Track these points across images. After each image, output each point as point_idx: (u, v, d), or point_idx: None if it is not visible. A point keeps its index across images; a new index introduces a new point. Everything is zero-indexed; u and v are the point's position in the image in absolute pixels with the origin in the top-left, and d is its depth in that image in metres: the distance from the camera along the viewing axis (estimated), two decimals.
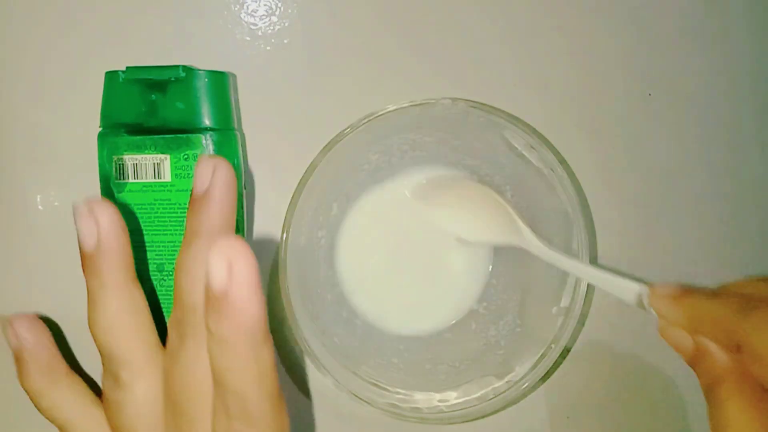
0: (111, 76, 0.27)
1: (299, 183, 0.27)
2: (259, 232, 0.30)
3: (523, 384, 0.27)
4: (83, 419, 0.25)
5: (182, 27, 0.30)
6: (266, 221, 0.30)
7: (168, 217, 0.27)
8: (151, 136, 0.27)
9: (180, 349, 0.22)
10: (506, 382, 0.28)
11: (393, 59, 0.31)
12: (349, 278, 0.31)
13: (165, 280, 0.28)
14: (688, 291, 0.23)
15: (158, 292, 0.28)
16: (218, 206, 0.22)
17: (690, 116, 0.33)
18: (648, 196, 0.33)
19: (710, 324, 0.22)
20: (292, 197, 0.27)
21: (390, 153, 0.30)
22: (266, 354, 0.19)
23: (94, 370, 0.29)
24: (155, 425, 0.23)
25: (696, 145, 0.33)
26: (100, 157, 0.27)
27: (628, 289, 0.25)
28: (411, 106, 0.27)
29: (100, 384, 0.27)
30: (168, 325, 0.23)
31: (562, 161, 0.31)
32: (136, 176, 0.27)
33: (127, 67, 0.27)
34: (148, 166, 0.27)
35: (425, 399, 0.28)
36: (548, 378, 0.32)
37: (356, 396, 0.27)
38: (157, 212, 0.27)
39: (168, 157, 0.27)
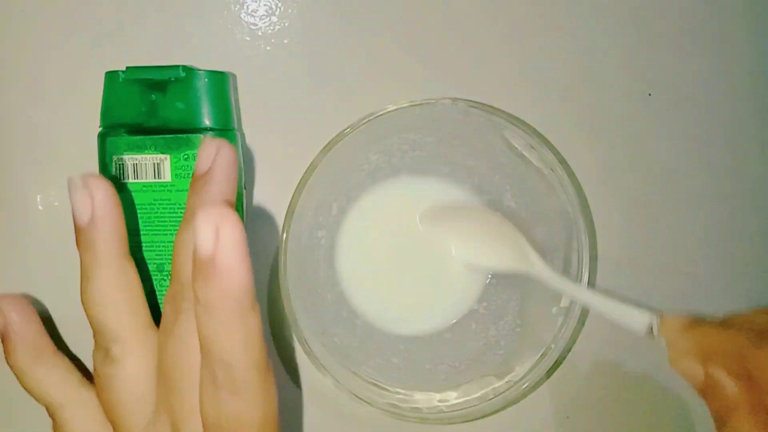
0: (111, 76, 0.27)
1: (299, 183, 0.27)
2: (259, 232, 0.30)
3: (523, 384, 0.27)
4: (69, 398, 0.25)
5: (182, 27, 0.30)
6: (266, 221, 0.30)
7: (168, 217, 0.27)
8: (151, 136, 0.27)
9: (174, 323, 0.22)
10: (506, 382, 0.28)
11: (393, 59, 0.31)
12: (349, 278, 0.31)
13: (165, 280, 0.28)
14: (697, 321, 0.23)
15: (158, 293, 0.28)
16: (218, 186, 0.22)
17: (690, 116, 0.33)
18: (648, 196, 0.33)
19: (721, 354, 0.22)
20: (292, 197, 0.27)
21: (390, 153, 0.30)
22: (253, 322, 0.19)
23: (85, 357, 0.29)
24: (144, 400, 0.23)
25: (696, 145, 0.33)
26: (100, 157, 0.27)
27: (638, 319, 0.25)
28: (411, 106, 0.27)
29: (88, 366, 0.28)
30: (163, 299, 0.23)
31: (562, 161, 0.31)
32: (136, 176, 0.27)
33: (127, 67, 0.27)
34: (148, 166, 0.27)
35: (425, 399, 0.28)
36: (548, 378, 0.32)
37: (356, 396, 0.27)
38: (157, 212, 0.27)
39: (168, 157, 0.27)
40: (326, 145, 0.26)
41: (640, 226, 0.33)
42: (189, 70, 0.27)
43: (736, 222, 0.33)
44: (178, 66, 0.27)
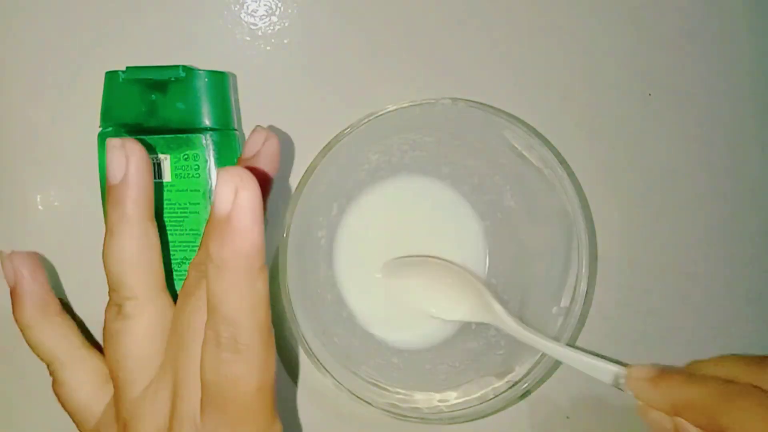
0: (111, 76, 0.27)
1: (299, 183, 0.27)
2: None
3: (523, 384, 0.27)
4: (71, 357, 0.26)
5: (182, 27, 0.30)
6: (266, 221, 0.30)
7: (168, 217, 0.27)
8: (151, 136, 0.27)
9: (196, 287, 0.23)
10: (506, 382, 0.28)
11: (393, 59, 0.31)
12: (347, 278, 0.31)
13: (167, 280, 0.28)
14: (665, 373, 0.23)
15: None
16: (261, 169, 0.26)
17: (690, 116, 0.33)
18: (648, 196, 0.33)
19: (691, 409, 0.22)
20: (292, 197, 0.27)
21: (390, 153, 0.30)
22: (261, 285, 0.20)
23: None
24: (149, 359, 0.24)
25: (696, 145, 0.33)
26: (100, 157, 0.27)
27: (605, 371, 0.25)
28: (411, 106, 0.27)
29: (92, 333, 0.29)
30: (189, 265, 0.24)
31: (562, 161, 0.31)
32: None
33: (127, 67, 0.27)
34: None
35: (425, 399, 0.28)
36: (548, 378, 0.32)
37: (356, 396, 0.27)
38: (156, 212, 0.27)
39: (168, 157, 0.27)
40: (326, 145, 0.26)
41: (640, 226, 0.33)
42: (189, 70, 0.27)
43: (736, 222, 0.33)
44: (178, 66, 0.27)
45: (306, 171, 0.27)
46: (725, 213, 0.33)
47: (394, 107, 0.26)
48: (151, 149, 0.27)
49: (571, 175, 0.29)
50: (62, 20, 0.30)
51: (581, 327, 0.32)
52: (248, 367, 0.21)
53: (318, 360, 0.27)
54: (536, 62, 0.32)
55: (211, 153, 0.27)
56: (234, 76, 0.30)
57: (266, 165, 0.26)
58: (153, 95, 0.27)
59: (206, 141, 0.27)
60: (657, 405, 0.23)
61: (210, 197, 0.27)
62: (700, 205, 0.33)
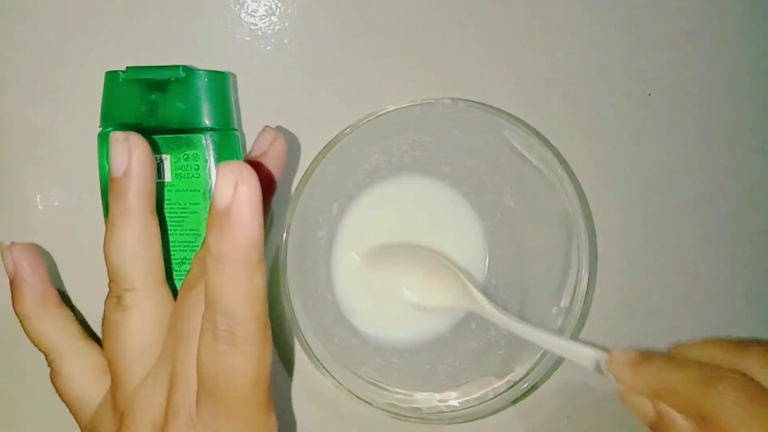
0: (111, 76, 0.27)
1: (299, 183, 0.27)
2: None
3: (523, 384, 0.27)
4: (69, 348, 0.26)
5: (182, 27, 0.30)
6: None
7: (168, 217, 0.27)
8: (151, 136, 0.27)
9: (197, 281, 0.23)
10: (506, 382, 0.28)
11: (393, 59, 0.31)
12: (345, 278, 0.31)
13: (167, 279, 0.28)
14: (646, 357, 0.23)
15: None
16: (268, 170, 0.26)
17: (690, 116, 0.33)
18: (648, 196, 0.33)
19: (671, 393, 0.22)
20: (292, 197, 0.27)
21: (390, 153, 0.30)
22: (259, 278, 0.21)
23: None
24: (147, 351, 0.24)
25: (696, 145, 0.33)
26: (100, 157, 0.27)
27: (586, 356, 0.25)
28: (411, 106, 0.27)
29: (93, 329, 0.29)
30: (192, 260, 0.25)
31: (562, 161, 0.31)
32: None
33: (127, 67, 0.27)
34: None
35: (425, 399, 0.28)
36: (548, 378, 0.32)
37: (356, 396, 0.27)
38: (157, 211, 0.27)
39: (168, 157, 0.27)
40: (326, 145, 0.26)
41: (640, 226, 0.33)
42: (189, 70, 0.27)
43: (736, 222, 0.33)
44: (178, 66, 0.27)
45: (306, 171, 0.27)
46: (725, 213, 0.33)
47: (394, 107, 0.26)
48: (151, 149, 0.27)
49: (571, 175, 0.29)
50: (62, 20, 0.30)
51: (581, 327, 0.32)
52: (245, 359, 0.21)
53: (318, 360, 0.27)
54: (536, 62, 0.32)
55: (211, 153, 0.27)
56: (234, 76, 0.30)
57: (273, 165, 0.27)
58: (153, 95, 0.27)
59: (206, 141, 0.27)
60: (638, 390, 0.23)
61: (210, 197, 0.27)
62: (700, 205, 0.33)
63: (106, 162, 0.27)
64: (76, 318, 0.27)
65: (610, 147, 0.32)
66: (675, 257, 0.33)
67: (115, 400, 0.24)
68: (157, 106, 0.27)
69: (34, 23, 0.30)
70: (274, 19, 0.30)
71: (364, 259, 0.31)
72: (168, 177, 0.27)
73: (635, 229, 0.33)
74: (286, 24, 0.31)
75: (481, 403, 0.28)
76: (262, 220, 0.20)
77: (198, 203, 0.27)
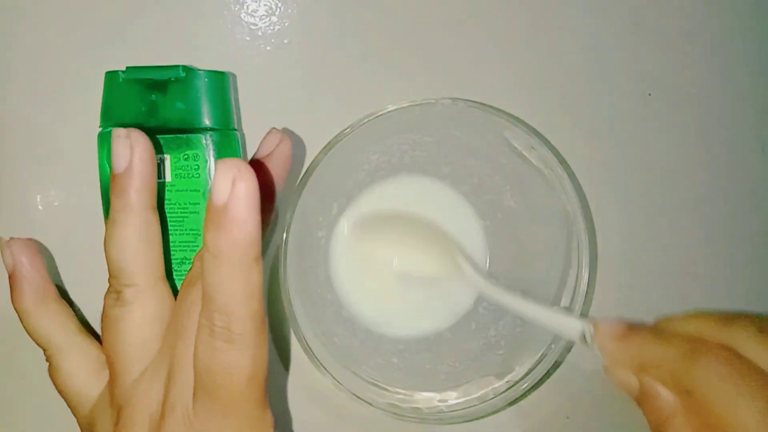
0: (111, 76, 0.27)
1: (299, 183, 0.27)
2: None
3: (523, 384, 0.27)
4: (67, 343, 0.26)
5: (182, 27, 0.30)
6: None
7: (168, 217, 0.27)
8: (151, 136, 0.27)
9: (199, 278, 0.23)
10: (506, 382, 0.28)
11: (393, 59, 0.31)
12: (346, 278, 0.31)
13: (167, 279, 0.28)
14: (632, 330, 0.23)
15: None
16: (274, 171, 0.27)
17: (690, 116, 0.33)
18: (648, 196, 0.33)
19: (656, 367, 0.22)
20: (292, 197, 0.27)
21: (390, 153, 0.30)
22: (255, 275, 0.21)
23: None
24: (145, 346, 0.24)
25: (696, 145, 0.33)
26: (100, 157, 0.27)
27: (571, 327, 0.25)
28: (411, 106, 0.27)
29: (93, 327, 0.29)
30: (194, 257, 0.25)
31: (562, 161, 0.31)
32: None
33: (127, 67, 0.27)
34: None
35: (425, 399, 0.28)
36: (548, 378, 0.31)
37: (356, 396, 0.27)
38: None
39: (168, 157, 0.27)
40: (326, 145, 0.26)
41: (640, 226, 0.33)
42: (189, 70, 0.27)
43: (736, 222, 0.33)
44: (178, 66, 0.27)
45: (306, 171, 0.27)
46: (725, 213, 0.33)
47: (394, 107, 0.26)
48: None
49: (571, 175, 0.29)
50: (62, 20, 0.30)
51: None
52: (241, 356, 0.21)
53: (318, 360, 0.27)
54: (536, 62, 0.32)
55: (211, 153, 0.27)
56: (234, 76, 0.30)
57: (278, 166, 0.27)
58: (153, 95, 0.27)
59: (206, 141, 0.27)
60: (623, 363, 0.23)
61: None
62: (700, 205, 0.33)
63: (106, 162, 0.27)
64: (76, 315, 0.28)
65: (610, 147, 0.32)
66: (675, 257, 0.33)
67: (113, 395, 0.25)
68: (157, 106, 0.27)
69: (34, 23, 0.30)
70: (274, 19, 0.30)
71: (353, 230, 0.30)
72: (168, 177, 0.27)
73: (635, 229, 0.33)
74: (286, 24, 0.31)
75: (481, 403, 0.28)
76: (259, 217, 0.20)
77: (198, 203, 0.27)
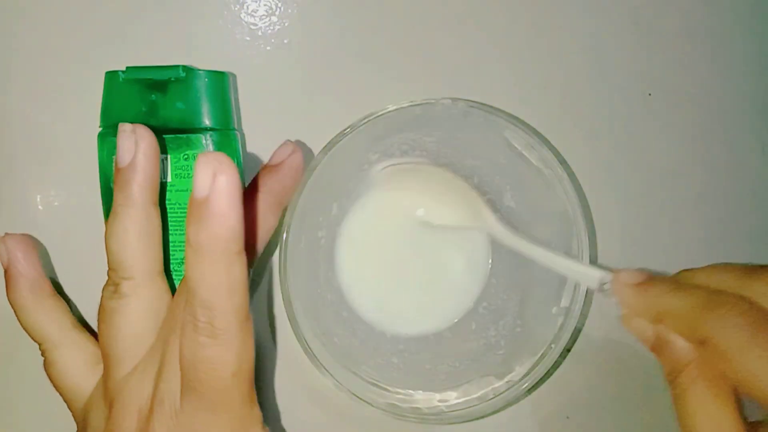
0: (111, 76, 0.27)
1: (299, 183, 0.27)
2: None
3: (523, 384, 0.27)
4: (63, 338, 0.26)
5: (182, 27, 0.30)
6: None
7: (168, 216, 0.27)
8: None
9: None
10: (506, 382, 0.28)
11: (393, 59, 0.31)
12: (348, 278, 0.31)
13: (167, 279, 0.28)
14: (651, 280, 0.23)
15: None
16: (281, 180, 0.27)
17: (690, 116, 0.33)
18: (648, 196, 0.33)
19: (673, 317, 0.22)
20: (292, 197, 0.27)
21: (390, 153, 0.30)
22: (239, 269, 0.20)
23: None
24: (140, 340, 0.24)
25: (696, 145, 0.33)
26: (100, 157, 0.27)
27: (591, 276, 0.25)
28: (411, 106, 0.27)
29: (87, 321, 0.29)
30: None
31: (562, 161, 0.31)
32: None
33: (127, 67, 0.27)
34: None
35: (425, 399, 0.28)
36: (548, 378, 0.32)
37: (356, 396, 0.27)
38: None
39: (168, 157, 0.27)
40: (326, 145, 0.27)
41: (640, 226, 0.33)
42: (189, 70, 0.27)
43: (736, 222, 0.33)
44: (178, 66, 0.27)
45: (306, 171, 0.27)
46: (725, 213, 0.33)
47: (394, 107, 0.26)
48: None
49: (571, 175, 0.29)
50: (62, 20, 0.30)
51: (581, 327, 0.32)
52: (225, 351, 0.21)
53: (318, 360, 0.27)
54: (536, 62, 0.32)
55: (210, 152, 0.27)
56: (234, 76, 0.30)
57: (288, 176, 0.27)
58: (153, 95, 0.27)
59: (206, 141, 0.27)
60: (641, 312, 0.23)
61: None
62: (700, 205, 0.33)
63: (106, 162, 0.27)
64: (72, 311, 0.28)
65: (610, 147, 0.32)
66: (675, 257, 0.33)
67: (106, 388, 0.25)
68: (157, 106, 0.27)
69: (34, 23, 0.30)
70: (274, 19, 0.30)
71: (375, 180, 0.30)
72: (168, 177, 0.27)
73: (635, 229, 0.33)
74: (286, 24, 0.31)
75: (481, 403, 0.28)
76: (241, 210, 0.20)
77: None
